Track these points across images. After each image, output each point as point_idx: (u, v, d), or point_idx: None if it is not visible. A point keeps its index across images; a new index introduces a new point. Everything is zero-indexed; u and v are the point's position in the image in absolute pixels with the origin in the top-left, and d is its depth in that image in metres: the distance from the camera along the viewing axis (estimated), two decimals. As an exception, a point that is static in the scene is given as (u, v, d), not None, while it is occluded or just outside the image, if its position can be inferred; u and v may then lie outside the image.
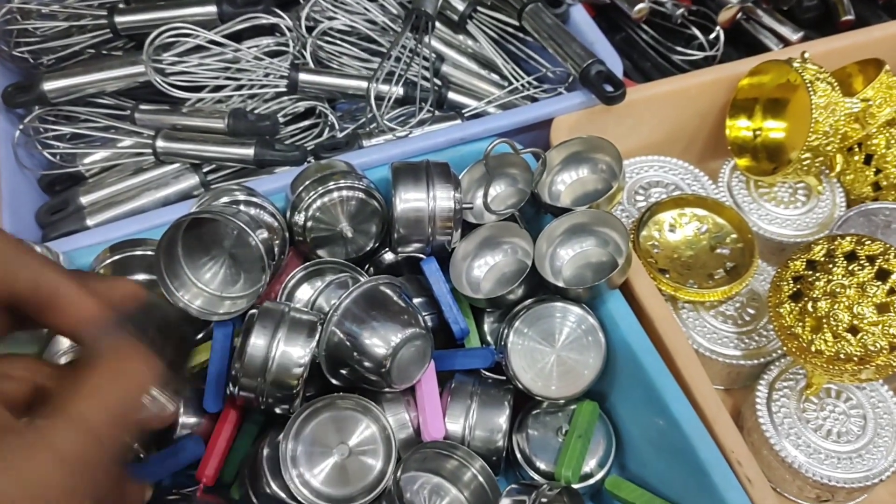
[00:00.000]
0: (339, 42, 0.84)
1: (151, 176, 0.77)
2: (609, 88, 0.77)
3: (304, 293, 0.69)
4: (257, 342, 0.58)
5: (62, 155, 0.80)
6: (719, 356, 0.71)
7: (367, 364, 0.58)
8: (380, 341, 0.58)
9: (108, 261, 0.65)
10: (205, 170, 0.77)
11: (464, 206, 0.68)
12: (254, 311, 0.60)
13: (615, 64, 0.80)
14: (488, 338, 0.70)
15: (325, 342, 0.59)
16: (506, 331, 0.66)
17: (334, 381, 0.61)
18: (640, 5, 0.88)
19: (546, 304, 0.65)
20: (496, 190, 0.74)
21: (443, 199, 0.67)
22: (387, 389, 0.62)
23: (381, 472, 0.61)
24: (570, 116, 0.78)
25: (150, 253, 0.66)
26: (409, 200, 0.67)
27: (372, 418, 0.62)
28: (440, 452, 0.63)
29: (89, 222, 0.75)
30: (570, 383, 0.64)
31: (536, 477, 0.65)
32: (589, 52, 0.79)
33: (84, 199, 0.77)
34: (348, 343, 0.59)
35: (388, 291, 0.61)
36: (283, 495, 0.60)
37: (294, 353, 0.58)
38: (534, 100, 0.86)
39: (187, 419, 0.64)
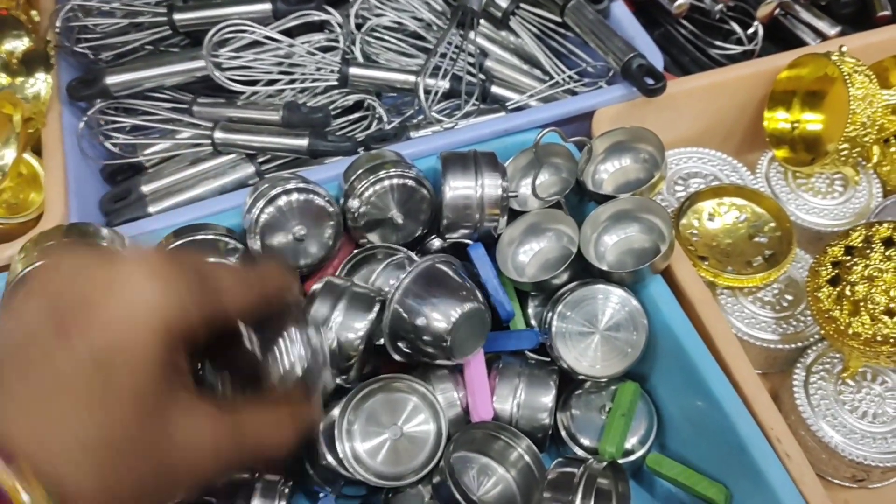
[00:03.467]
0: (386, 38, 0.88)
1: (209, 166, 0.81)
2: (650, 81, 0.79)
3: (360, 276, 0.72)
4: (318, 312, 0.61)
5: (123, 146, 0.84)
6: (757, 340, 0.73)
7: (427, 338, 0.61)
8: (441, 316, 0.61)
9: (173, 245, 0.69)
10: (259, 160, 0.81)
11: (510, 193, 0.71)
12: (315, 286, 0.63)
13: (655, 58, 0.82)
14: (532, 321, 0.73)
15: (388, 318, 0.62)
16: (550, 313, 0.68)
17: (395, 357, 0.64)
18: (681, 0, 0.90)
19: (590, 286, 0.68)
20: (539, 178, 0.77)
21: (490, 186, 0.70)
22: (445, 362, 0.64)
23: (431, 452, 0.63)
24: (611, 109, 0.80)
25: (211, 237, 0.69)
26: (459, 188, 0.70)
27: (423, 400, 0.65)
28: (489, 433, 0.65)
29: (151, 209, 0.78)
30: (613, 363, 0.67)
31: (580, 453, 0.67)
32: (630, 46, 0.81)
33: (145, 188, 0.80)
34: (410, 319, 0.61)
35: (446, 269, 0.64)
36: (338, 468, 0.63)
37: (353, 324, 0.61)
38: (573, 93, 0.88)
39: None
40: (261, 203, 0.68)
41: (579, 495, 0.58)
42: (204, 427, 0.37)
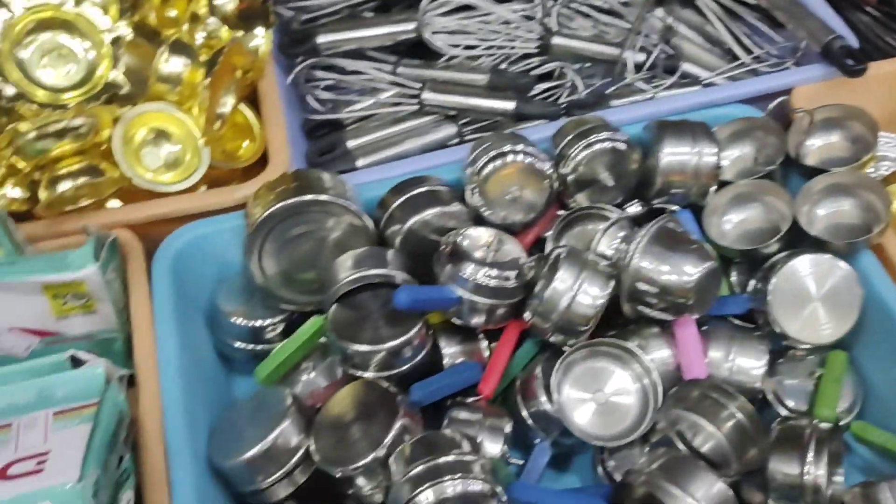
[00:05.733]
0: (577, 11, 0.90)
1: (412, 124, 0.84)
2: (850, 62, 0.80)
3: (573, 235, 0.74)
4: (563, 279, 0.64)
5: (324, 102, 0.88)
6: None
7: (668, 296, 0.64)
8: (683, 273, 0.63)
9: (399, 201, 0.71)
10: (461, 121, 0.84)
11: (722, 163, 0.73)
12: (559, 250, 0.66)
13: (850, 40, 0.84)
14: (735, 288, 0.75)
15: (628, 277, 0.64)
16: (762, 282, 0.70)
17: (627, 313, 0.66)
18: (875, -14, 0.91)
19: (803, 255, 0.69)
20: (739, 152, 0.79)
21: (707, 154, 0.72)
22: (667, 318, 0.66)
23: (640, 413, 0.66)
24: (809, 87, 0.82)
25: (435, 188, 0.72)
26: (676, 154, 0.72)
27: (628, 364, 0.67)
28: (703, 392, 0.67)
29: (359, 163, 0.82)
30: (827, 331, 0.68)
31: (787, 415, 0.69)
32: (829, 27, 0.83)
33: (351, 143, 0.84)
34: (651, 277, 0.64)
35: (678, 228, 0.66)
36: (557, 415, 0.66)
37: (593, 294, 0.64)
38: (755, 73, 0.90)
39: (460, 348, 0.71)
40: (484, 158, 0.71)
41: (811, 453, 0.60)
42: None
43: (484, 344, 0.71)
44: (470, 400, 0.68)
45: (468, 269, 0.65)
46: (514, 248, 0.69)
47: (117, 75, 0.77)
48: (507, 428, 0.67)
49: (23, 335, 0.68)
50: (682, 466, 0.59)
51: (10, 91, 0.74)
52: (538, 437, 0.68)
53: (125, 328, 0.69)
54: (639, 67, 0.86)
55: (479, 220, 0.72)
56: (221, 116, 0.79)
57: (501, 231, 0.70)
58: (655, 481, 0.58)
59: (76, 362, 0.63)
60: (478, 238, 0.68)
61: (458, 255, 0.66)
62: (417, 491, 0.56)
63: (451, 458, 0.58)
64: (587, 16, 0.90)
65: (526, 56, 0.87)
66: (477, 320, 0.67)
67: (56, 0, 0.77)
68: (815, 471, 0.60)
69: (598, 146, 0.73)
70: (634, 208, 0.78)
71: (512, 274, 0.66)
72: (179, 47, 0.76)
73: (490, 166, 0.71)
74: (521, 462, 0.67)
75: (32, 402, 0.59)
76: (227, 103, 0.80)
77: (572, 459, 0.72)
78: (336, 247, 0.70)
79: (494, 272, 0.65)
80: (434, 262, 0.67)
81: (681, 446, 0.62)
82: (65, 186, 0.71)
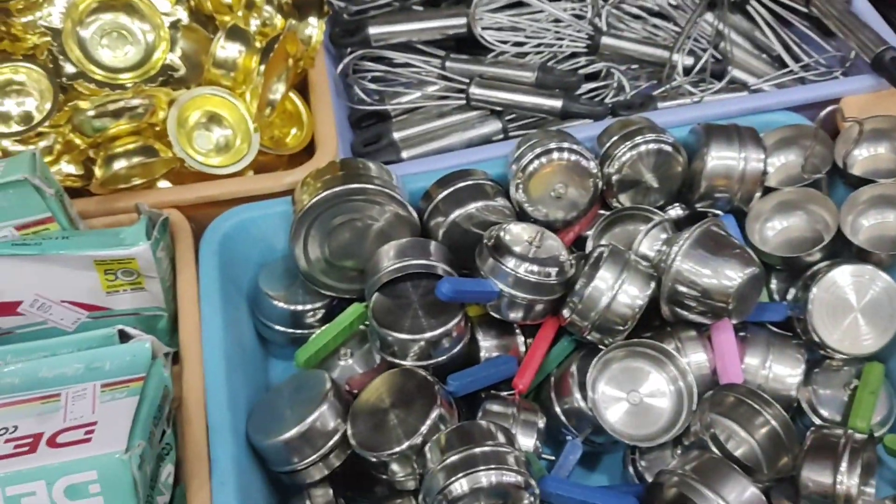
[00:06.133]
0: (627, 12, 0.90)
1: (458, 119, 0.85)
2: (903, 74, 0.80)
3: (614, 235, 0.75)
4: (604, 278, 0.64)
5: (371, 94, 0.89)
6: None
7: (708, 300, 0.64)
8: (726, 277, 0.63)
9: (444, 193, 0.72)
10: (507, 117, 0.84)
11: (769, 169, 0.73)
12: (602, 248, 0.66)
13: (903, 52, 0.83)
14: (775, 295, 0.75)
15: (670, 279, 0.64)
16: (803, 290, 0.70)
17: (666, 315, 0.67)
18: (931, -3, 0.90)
19: (844, 265, 0.69)
20: (785, 159, 0.78)
21: (754, 160, 0.72)
22: (705, 321, 0.67)
23: (674, 415, 0.66)
24: (859, 98, 0.81)
25: (480, 182, 0.73)
26: (722, 158, 0.72)
27: (664, 366, 0.67)
28: (738, 397, 0.67)
29: (404, 155, 0.83)
30: (866, 342, 0.68)
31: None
32: (881, 38, 0.82)
33: (396, 135, 0.85)
34: (692, 280, 0.64)
35: (722, 232, 0.66)
36: (590, 413, 0.66)
37: (634, 294, 0.64)
38: (802, 82, 0.89)
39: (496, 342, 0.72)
40: (530, 155, 0.72)
41: (844, 463, 0.60)
42: None
43: (521, 339, 0.72)
44: (505, 394, 0.69)
45: (510, 264, 0.66)
46: (555, 245, 0.69)
47: (174, 59, 0.78)
48: (541, 423, 0.67)
49: (72, 308, 0.70)
50: (715, 469, 0.60)
51: (70, 69, 0.76)
52: (570, 434, 0.68)
53: (171, 306, 0.71)
54: (687, 71, 0.86)
55: (522, 216, 0.73)
56: (272, 103, 0.81)
57: (544, 227, 0.70)
58: (688, 482, 0.59)
59: (124, 337, 0.64)
60: (520, 233, 0.69)
61: (500, 249, 0.67)
62: (452, 479, 0.57)
63: (486, 448, 0.59)
64: (637, 17, 0.90)
65: (574, 55, 0.87)
66: (515, 315, 0.68)
67: (117, -17, 0.79)
68: (847, 480, 0.60)
69: (643, 147, 0.73)
70: (676, 211, 0.78)
71: (553, 270, 0.66)
72: (236, 33, 0.78)
73: (535, 163, 0.71)
74: (552, 458, 0.68)
75: (81, 373, 0.61)
76: (279, 90, 0.81)
77: (602, 458, 0.73)
78: (380, 236, 0.71)
79: (535, 268, 0.65)
80: (476, 255, 0.68)
81: (714, 450, 0.63)
82: (120, 165, 0.73)
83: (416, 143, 0.84)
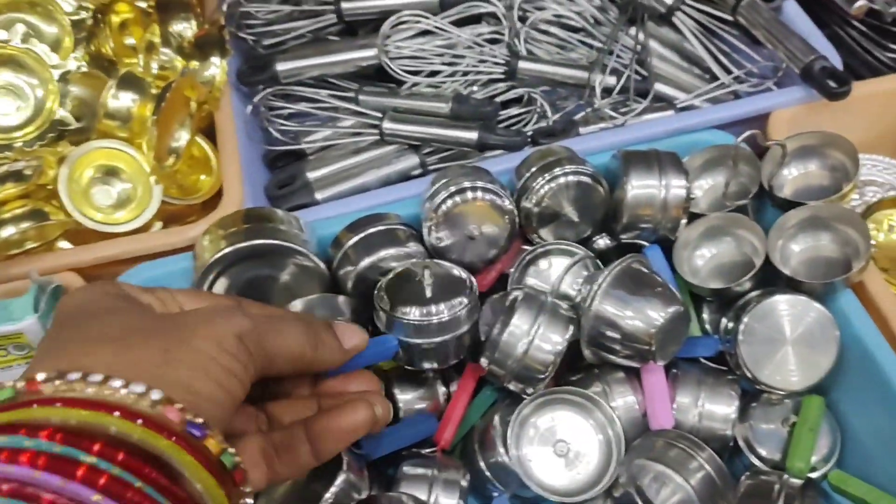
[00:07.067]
0: (546, 32, 0.86)
1: (374, 155, 0.81)
2: (832, 84, 0.76)
3: (535, 273, 0.71)
4: (518, 325, 0.60)
5: (285, 132, 0.85)
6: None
7: (629, 342, 0.61)
8: (646, 318, 0.60)
9: (353, 240, 0.68)
10: (424, 151, 0.80)
11: (692, 196, 0.69)
12: (516, 293, 0.63)
13: (834, 60, 0.80)
14: (707, 326, 0.71)
15: (589, 320, 0.61)
16: (734, 322, 0.66)
17: (588, 358, 0.63)
18: (860, 3, 0.87)
19: (776, 296, 0.66)
20: (713, 181, 0.75)
21: (675, 187, 0.68)
22: (632, 365, 0.63)
23: (603, 464, 0.62)
24: (787, 112, 0.78)
25: (392, 226, 0.69)
26: (642, 187, 0.68)
27: (590, 412, 0.64)
28: (669, 442, 0.64)
29: (318, 196, 0.79)
30: (801, 376, 0.65)
31: (759, 465, 0.65)
32: (811, 47, 0.79)
33: (310, 175, 0.81)
34: (612, 321, 0.61)
35: (644, 269, 0.63)
36: (515, 469, 0.62)
37: (552, 340, 0.61)
38: (736, 95, 0.86)
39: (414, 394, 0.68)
40: (443, 194, 0.68)
41: (779, 512, 0.57)
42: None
43: (441, 390, 0.68)
44: (426, 451, 0.65)
45: (400, 312, 0.61)
46: (450, 272, 0.65)
47: (64, 113, 0.74)
48: (464, 482, 0.63)
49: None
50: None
51: (-45, 132, 0.72)
52: (497, 490, 0.65)
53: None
54: (609, 91, 0.83)
55: (438, 258, 0.69)
56: (176, 151, 0.77)
57: (434, 260, 0.66)
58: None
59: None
60: (408, 275, 0.64)
61: (391, 300, 0.62)
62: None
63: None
64: (557, 37, 0.87)
65: (493, 81, 0.83)
66: (430, 363, 0.64)
67: (3, 36, 0.75)
68: (784, 531, 0.57)
69: (562, 179, 0.69)
70: (604, 241, 0.74)
71: (445, 307, 0.61)
72: (129, 81, 0.74)
73: (449, 202, 0.67)
74: (478, 515, 0.65)
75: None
76: (182, 138, 0.77)
77: (536, 511, 0.69)
78: (288, 290, 0.68)
79: (434, 308, 0.61)
80: (373, 310, 0.64)
81: (638, 500, 0.59)
82: (9, 231, 0.68)
83: (331, 182, 0.80)
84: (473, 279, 0.64)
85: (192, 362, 0.40)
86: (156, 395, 0.36)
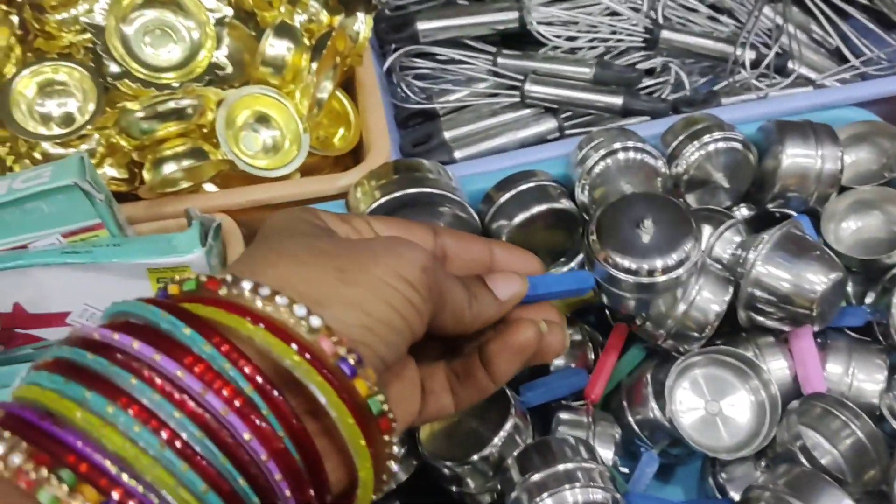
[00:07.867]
0: (685, 4, 0.87)
1: (511, 117, 0.82)
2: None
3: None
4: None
5: (418, 92, 0.86)
6: None
7: (790, 307, 0.61)
8: (810, 283, 0.60)
9: (505, 197, 0.69)
10: (562, 115, 0.81)
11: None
12: None
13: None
14: (851, 299, 0.72)
15: (747, 285, 0.61)
16: (886, 294, 0.67)
17: (743, 323, 0.64)
18: None
19: (932, 269, 0.66)
20: (855, 156, 0.75)
21: (830, 159, 0.69)
22: (786, 328, 0.64)
23: (756, 425, 0.63)
24: (927, 93, 0.79)
25: (543, 183, 0.70)
26: (798, 156, 0.69)
27: (744, 374, 0.64)
28: (823, 407, 0.64)
29: (457, 155, 0.80)
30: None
31: (906, 436, 0.66)
32: (952, 29, 0.79)
33: (447, 135, 0.82)
34: (772, 286, 0.61)
35: (800, 234, 0.63)
36: (665, 423, 0.63)
37: (712, 300, 0.61)
38: (862, 76, 0.86)
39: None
40: (595, 156, 0.68)
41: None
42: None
43: (589, 346, 0.69)
44: (576, 404, 0.66)
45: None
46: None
47: (220, 57, 0.75)
48: (618, 435, 0.64)
49: (121, 318, 0.67)
50: (809, 484, 0.57)
51: (113, 69, 0.73)
52: (644, 446, 0.66)
53: (224, 315, 0.68)
54: (755, 65, 0.83)
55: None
56: (320, 102, 0.78)
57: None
58: (782, 497, 0.56)
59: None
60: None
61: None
62: (536, 500, 0.54)
63: (570, 465, 0.56)
64: (693, 10, 0.87)
65: (629, 49, 0.84)
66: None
67: (158, -22, 0.76)
68: (946, 494, 0.57)
69: (712, 146, 0.70)
70: (744, 211, 0.75)
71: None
72: (284, 30, 0.75)
73: (601, 164, 0.68)
74: (625, 471, 0.65)
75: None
76: (326, 89, 0.78)
77: (675, 470, 0.70)
78: (441, 240, 0.68)
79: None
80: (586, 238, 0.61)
81: (805, 462, 0.60)
82: (170, 168, 0.69)
83: (468, 142, 0.81)
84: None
85: (369, 284, 0.39)
86: (315, 321, 0.35)
